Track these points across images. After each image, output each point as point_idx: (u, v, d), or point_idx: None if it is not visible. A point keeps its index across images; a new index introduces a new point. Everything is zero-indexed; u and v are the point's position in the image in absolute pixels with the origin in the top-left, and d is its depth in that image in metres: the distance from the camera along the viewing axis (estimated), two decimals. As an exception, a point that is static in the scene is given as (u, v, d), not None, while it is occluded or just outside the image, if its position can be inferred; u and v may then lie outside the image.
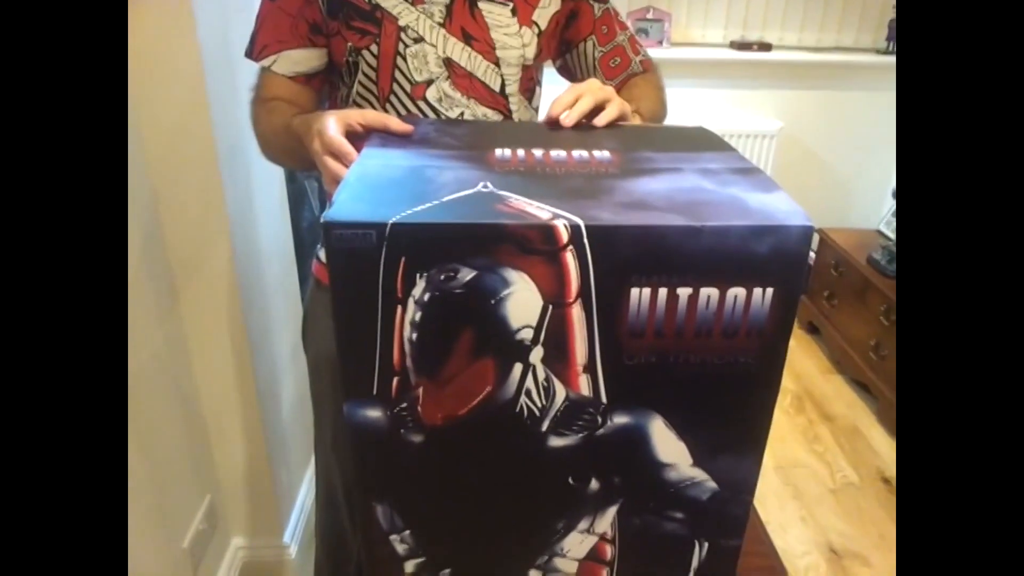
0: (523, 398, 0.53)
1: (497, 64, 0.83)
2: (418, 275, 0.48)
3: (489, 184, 0.53)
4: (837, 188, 2.61)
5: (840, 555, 1.60)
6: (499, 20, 0.83)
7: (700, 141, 0.67)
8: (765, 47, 2.35)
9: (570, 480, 0.57)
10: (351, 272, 0.48)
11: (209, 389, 1.25)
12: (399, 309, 0.49)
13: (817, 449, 1.98)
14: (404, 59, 0.81)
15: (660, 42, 2.31)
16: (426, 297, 0.49)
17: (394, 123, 0.68)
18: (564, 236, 0.47)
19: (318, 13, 0.82)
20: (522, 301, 0.49)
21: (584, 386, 0.53)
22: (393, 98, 0.83)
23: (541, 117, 0.82)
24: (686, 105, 2.37)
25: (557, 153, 0.62)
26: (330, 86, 0.89)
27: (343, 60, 0.84)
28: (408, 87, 0.82)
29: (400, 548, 0.61)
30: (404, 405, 0.53)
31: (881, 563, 1.58)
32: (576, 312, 0.50)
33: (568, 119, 0.70)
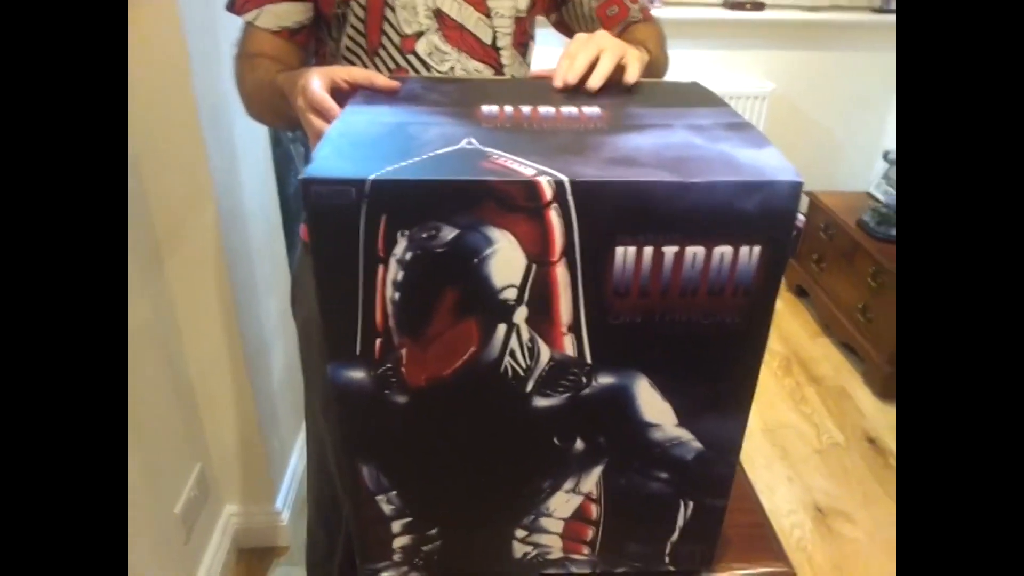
0: (507, 358, 0.53)
1: (488, 15, 0.81)
2: (400, 233, 0.47)
3: (473, 140, 0.52)
4: (828, 150, 2.59)
5: (825, 513, 1.63)
6: None
7: (692, 96, 0.66)
8: (758, 6, 2.30)
9: (555, 440, 0.57)
10: (331, 230, 0.47)
11: (198, 356, 1.24)
12: (381, 268, 0.49)
13: (804, 410, 2.00)
14: (393, 10, 0.78)
15: (652, 2, 2.26)
16: (408, 256, 0.48)
17: (380, 80, 0.66)
18: (548, 193, 0.46)
19: None
20: (505, 260, 0.48)
21: (569, 346, 0.52)
22: (382, 51, 0.81)
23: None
24: (677, 66, 2.33)
25: (546, 109, 0.60)
26: (317, 41, 0.87)
27: (330, 12, 0.81)
28: (397, 40, 0.80)
29: (387, 508, 0.61)
30: (388, 366, 0.53)
31: (865, 520, 1.61)
32: (560, 271, 0.49)
33: (594, 82, 0.65)
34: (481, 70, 0.83)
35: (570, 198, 0.46)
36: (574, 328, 0.51)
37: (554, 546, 0.64)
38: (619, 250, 0.48)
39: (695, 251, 0.48)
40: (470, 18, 0.80)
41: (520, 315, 0.51)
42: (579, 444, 0.57)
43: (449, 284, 0.49)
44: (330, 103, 0.65)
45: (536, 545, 0.64)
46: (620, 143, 0.52)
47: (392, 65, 0.81)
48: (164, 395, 1.17)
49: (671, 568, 0.66)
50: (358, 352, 0.52)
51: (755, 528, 0.74)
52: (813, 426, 1.95)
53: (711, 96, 0.66)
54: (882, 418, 1.95)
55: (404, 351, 0.52)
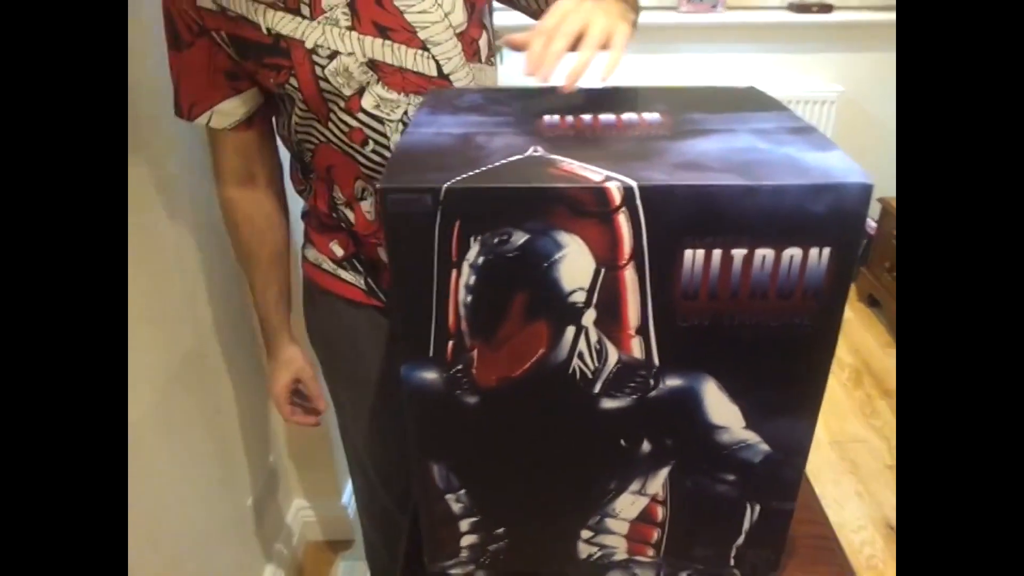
0: (576, 360, 0.54)
1: (425, 48, 0.75)
2: (472, 239, 0.49)
3: (540, 149, 0.53)
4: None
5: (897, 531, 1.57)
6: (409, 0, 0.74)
7: (752, 101, 0.66)
8: (825, 8, 2.25)
9: (622, 442, 0.58)
10: (407, 237, 0.50)
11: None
12: (454, 273, 0.51)
13: (875, 424, 1.93)
14: (327, 80, 0.74)
15: (714, 6, 2.24)
16: (480, 261, 0.50)
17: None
18: (617, 198, 0.47)
19: (227, 60, 0.77)
20: (575, 264, 0.50)
21: (636, 348, 0.53)
22: (333, 117, 0.77)
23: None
24: (741, 71, 2.30)
25: (606, 117, 0.61)
26: (275, 112, 0.84)
27: (274, 94, 0.79)
28: (342, 103, 0.76)
29: (456, 507, 0.63)
30: (459, 367, 0.55)
31: None
32: (629, 274, 0.50)
33: (569, 82, 0.60)
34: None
35: (639, 203, 0.47)
36: (642, 330, 0.52)
37: (619, 547, 0.64)
38: (687, 253, 0.49)
39: (764, 254, 0.48)
40: (407, 57, 0.75)
41: (589, 318, 0.52)
42: (646, 446, 0.58)
43: (520, 287, 0.51)
44: (282, 408, 0.92)
45: (601, 546, 0.64)
46: (685, 148, 0.53)
47: (345, 128, 0.77)
48: (241, 391, 1.23)
49: (736, 572, 0.66)
50: (431, 353, 0.55)
51: (820, 540, 0.73)
52: (884, 440, 1.87)
53: (770, 100, 0.66)
54: None
55: (475, 353, 0.54)
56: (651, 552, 0.65)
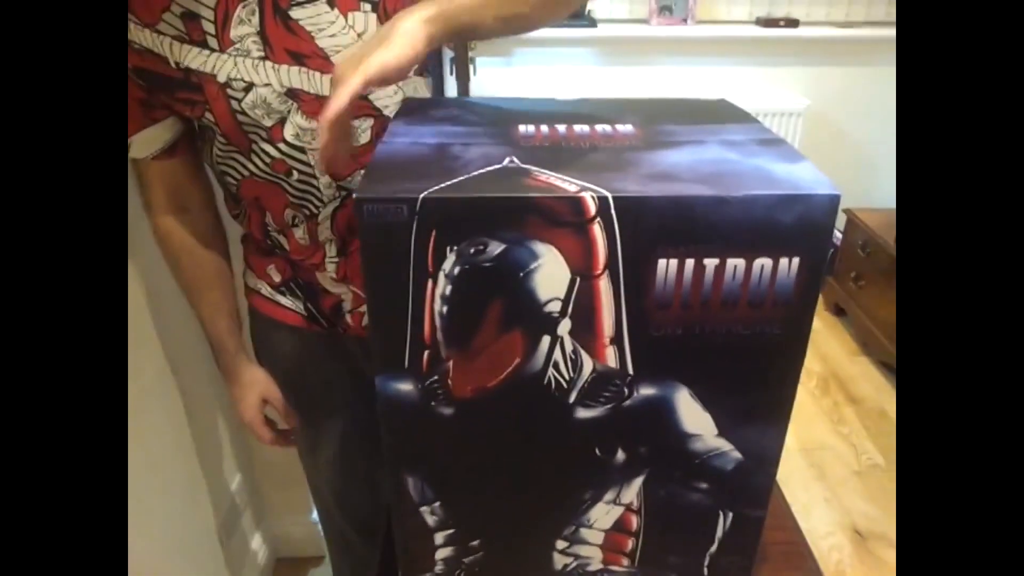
0: (551, 370, 0.54)
1: None
2: (448, 249, 0.49)
3: (515, 159, 0.54)
4: (865, 167, 2.56)
5: (865, 537, 1.60)
6: (319, 22, 0.69)
7: (722, 113, 0.67)
8: (792, 23, 2.31)
9: (597, 451, 0.58)
10: (383, 247, 0.49)
11: None
12: (430, 283, 0.51)
13: (842, 431, 1.97)
14: (244, 113, 0.71)
15: (684, 20, 2.28)
16: (456, 271, 0.50)
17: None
18: (592, 208, 0.48)
19: (140, 91, 0.72)
20: (550, 274, 0.50)
21: (611, 358, 0.54)
22: (256, 147, 0.74)
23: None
24: (710, 83, 2.35)
25: (580, 128, 0.62)
26: (201, 140, 0.80)
27: (194, 119, 0.75)
28: (264, 133, 0.72)
29: (430, 520, 0.62)
30: (435, 378, 0.55)
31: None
32: (603, 284, 0.50)
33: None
34: (358, 126, 0.73)
35: (613, 213, 0.48)
36: (616, 340, 0.53)
37: (594, 557, 0.64)
38: (661, 263, 0.49)
39: (735, 263, 0.49)
40: (324, 85, 0.71)
41: (564, 327, 0.52)
42: (620, 455, 0.58)
43: (495, 297, 0.51)
44: (260, 432, 0.90)
45: (576, 556, 0.64)
46: (657, 159, 0.54)
47: (268, 159, 0.74)
48: (209, 405, 1.21)
49: (711, 581, 0.66)
50: (406, 365, 0.54)
51: (790, 546, 0.74)
52: (852, 447, 1.91)
53: (740, 112, 0.68)
54: None
55: (451, 363, 0.54)
56: (626, 561, 0.65)
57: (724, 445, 0.58)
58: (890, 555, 1.54)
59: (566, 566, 0.65)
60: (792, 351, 0.53)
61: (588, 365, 0.54)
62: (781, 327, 0.52)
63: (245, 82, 0.69)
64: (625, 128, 0.62)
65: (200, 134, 0.78)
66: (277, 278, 0.87)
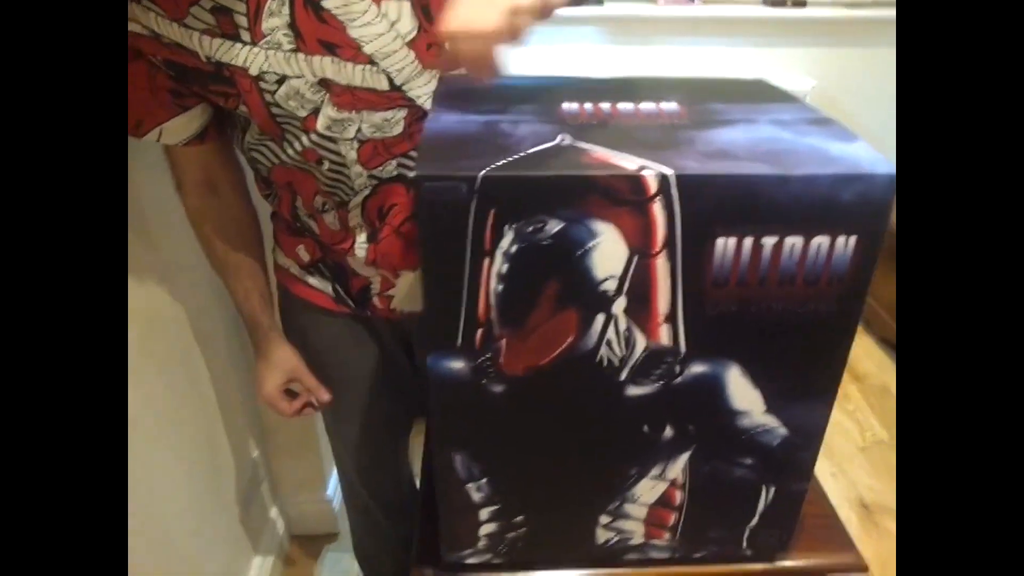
0: (604, 348, 0.55)
1: (372, 62, 0.69)
2: (507, 227, 0.49)
3: (567, 137, 0.53)
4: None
5: (871, 510, 1.62)
6: (353, 11, 0.67)
7: (765, 93, 0.67)
8: (800, 3, 2.29)
9: (645, 428, 0.59)
10: (441, 225, 0.49)
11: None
12: (487, 261, 0.51)
13: (847, 408, 1.99)
14: (278, 105, 0.70)
15: (692, 0, 2.26)
16: (514, 249, 0.50)
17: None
18: (652, 186, 0.48)
19: (169, 80, 0.71)
20: (608, 252, 0.50)
21: (664, 336, 0.54)
22: (289, 136, 0.73)
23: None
24: (717, 63, 2.33)
25: (624, 105, 0.62)
26: (230, 124, 0.79)
27: (227, 108, 0.74)
28: (298, 123, 0.71)
29: (476, 496, 0.63)
30: (487, 356, 0.55)
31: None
32: (661, 263, 0.51)
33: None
34: (392, 117, 0.72)
35: (674, 191, 0.48)
36: (671, 318, 0.53)
37: (636, 532, 0.65)
38: (719, 241, 0.50)
39: (793, 242, 0.50)
40: (355, 75, 0.69)
41: (619, 305, 0.52)
42: (668, 431, 0.59)
43: (552, 276, 0.51)
44: (280, 406, 0.90)
45: (619, 531, 0.65)
46: (711, 137, 0.54)
47: (299, 148, 0.73)
48: (227, 384, 1.21)
49: (748, 553, 0.67)
50: (459, 343, 0.54)
51: (823, 519, 0.75)
52: (856, 423, 1.93)
53: (781, 92, 0.67)
54: None
55: (504, 341, 0.54)
56: (667, 535, 0.66)
57: (771, 421, 0.58)
58: (888, 526, 1.57)
59: (608, 540, 0.66)
60: (844, 328, 0.54)
61: (641, 343, 0.54)
62: (835, 304, 0.52)
63: (278, 75, 0.68)
64: (670, 106, 0.62)
65: (232, 121, 0.78)
66: (306, 258, 0.86)
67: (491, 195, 0.48)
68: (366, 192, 0.76)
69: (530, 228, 0.49)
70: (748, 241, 0.50)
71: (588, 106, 0.62)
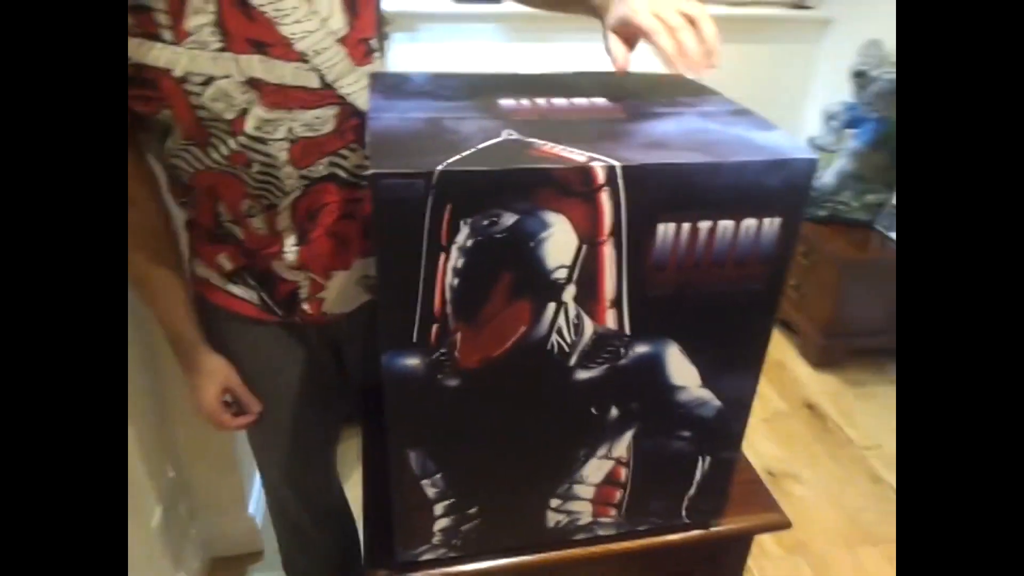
0: (554, 336, 0.56)
1: (303, 59, 0.68)
2: (462, 222, 0.50)
3: (513, 132, 0.55)
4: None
5: (776, 476, 1.76)
6: (282, 8, 0.66)
7: (684, 87, 0.71)
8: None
9: (593, 409, 0.61)
10: (397, 222, 0.49)
11: (171, 365, 1.21)
12: (442, 256, 0.51)
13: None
14: (204, 108, 0.67)
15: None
16: (469, 243, 0.51)
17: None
18: (601, 177, 0.50)
19: None
20: (559, 242, 0.52)
21: (611, 320, 0.57)
22: (215, 140, 0.70)
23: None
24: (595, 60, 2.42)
25: (559, 101, 0.64)
26: (146, 132, 0.74)
27: (142, 120, 0.71)
28: (225, 126, 0.69)
29: (431, 492, 0.63)
30: (442, 351, 0.55)
31: (811, 479, 1.75)
32: (608, 250, 0.53)
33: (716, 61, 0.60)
34: (323, 115, 0.71)
35: (620, 181, 0.50)
36: (616, 302, 0.56)
37: (584, 512, 0.68)
38: (660, 227, 0.53)
39: (726, 225, 0.54)
40: (285, 73, 0.68)
41: (569, 293, 0.54)
42: (614, 411, 0.62)
43: (506, 268, 0.52)
44: (222, 419, 0.88)
45: (568, 513, 0.68)
46: (646, 130, 0.57)
47: (227, 151, 0.70)
48: (139, 402, 1.14)
49: (687, 521, 0.72)
50: (415, 339, 0.54)
51: (751, 484, 0.80)
52: (758, 396, 2.06)
53: (701, 86, 0.72)
54: (818, 386, 2.10)
55: (459, 335, 0.55)
56: (613, 512, 0.69)
57: (706, 395, 0.63)
58: (797, 489, 1.71)
59: (558, 523, 0.68)
60: (769, 304, 0.59)
61: (589, 328, 0.57)
62: (762, 283, 0.57)
63: (204, 76, 0.65)
64: (600, 101, 0.64)
65: (147, 127, 0.72)
66: (228, 267, 0.82)
67: (447, 191, 0.48)
68: (296, 193, 0.74)
69: (485, 222, 0.50)
70: (686, 226, 0.53)
71: (525, 101, 0.63)
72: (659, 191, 0.51)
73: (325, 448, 1.03)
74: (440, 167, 0.48)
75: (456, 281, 0.52)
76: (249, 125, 0.68)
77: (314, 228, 0.76)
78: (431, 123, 0.56)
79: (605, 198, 0.51)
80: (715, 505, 0.72)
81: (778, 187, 0.53)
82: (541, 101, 0.63)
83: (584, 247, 0.53)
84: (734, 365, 0.62)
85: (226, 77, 0.66)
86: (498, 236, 0.51)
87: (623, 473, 0.66)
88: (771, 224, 0.54)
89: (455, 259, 0.51)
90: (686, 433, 0.65)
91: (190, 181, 0.75)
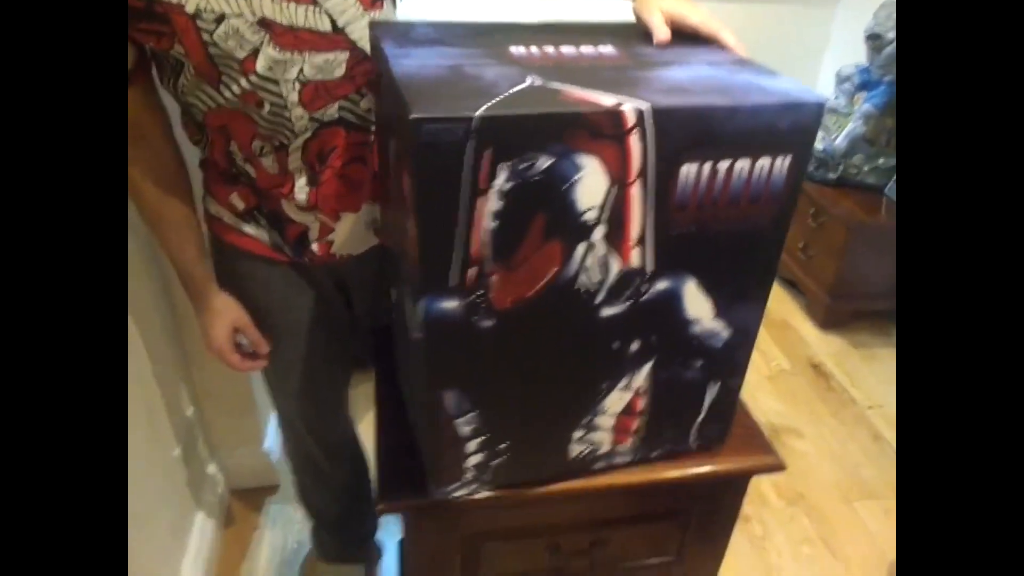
0: (583, 275, 0.59)
1: (315, 3, 0.70)
2: (500, 165, 0.52)
3: (537, 79, 0.56)
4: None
5: (778, 431, 1.82)
6: None
7: (679, 37, 0.73)
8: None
9: (616, 344, 0.65)
10: (438, 167, 0.51)
11: (185, 304, 1.24)
12: (480, 200, 0.53)
13: (759, 347, 2.10)
14: (216, 45, 0.68)
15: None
16: (507, 186, 0.53)
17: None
18: (631, 119, 0.53)
19: None
20: (590, 184, 0.55)
21: (635, 258, 0.60)
22: (226, 78, 0.71)
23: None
24: (574, 10, 2.40)
25: (567, 49, 0.66)
26: (157, 69, 0.77)
27: (154, 56, 0.73)
28: (236, 65, 0.70)
29: (464, 430, 0.66)
30: (479, 293, 0.58)
31: (812, 435, 1.82)
32: (635, 191, 0.56)
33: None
34: (333, 59, 0.73)
35: (649, 123, 0.53)
36: (641, 241, 0.59)
37: (604, 441, 0.72)
38: (684, 168, 0.56)
39: (743, 165, 0.57)
40: (298, 15, 0.69)
41: (599, 233, 0.57)
42: (635, 345, 0.66)
43: (540, 210, 0.55)
44: (231, 359, 0.91)
45: (590, 443, 0.72)
46: (661, 77, 0.59)
47: (238, 91, 0.72)
48: (157, 342, 1.19)
49: (695, 446, 0.77)
50: (453, 283, 0.56)
51: (748, 430, 0.84)
52: (762, 354, 2.10)
53: (697, 39, 0.74)
54: (823, 346, 2.14)
55: (495, 277, 0.57)
56: (630, 440, 0.74)
57: (718, 325, 0.67)
58: (799, 444, 1.78)
59: (580, 453, 0.72)
60: (778, 238, 0.63)
61: (616, 267, 0.60)
62: (772, 219, 0.61)
63: (216, 13, 0.66)
64: (607, 50, 0.66)
65: (161, 64, 0.73)
66: (241, 206, 0.84)
67: (488, 135, 0.50)
68: (307, 135, 0.75)
69: (523, 165, 0.52)
70: (707, 167, 0.56)
71: (534, 49, 0.65)
72: (684, 133, 0.54)
73: (337, 386, 1.08)
74: (480, 112, 0.49)
75: (494, 224, 0.54)
76: (260, 65, 0.69)
77: (324, 170, 0.78)
78: (453, 70, 0.58)
79: (634, 140, 0.54)
80: (720, 431, 0.78)
81: (790, 128, 0.56)
82: (550, 49, 0.65)
83: (614, 189, 0.55)
84: (744, 297, 0.66)
85: (238, 16, 0.67)
86: (534, 179, 0.53)
87: (641, 403, 0.71)
88: (782, 163, 0.58)
89: (493, 202, 0.53)
90: (699, 362, 0.70)
91: (203, 119, 0.76)
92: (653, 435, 0.74)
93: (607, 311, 0.62)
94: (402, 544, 1.40)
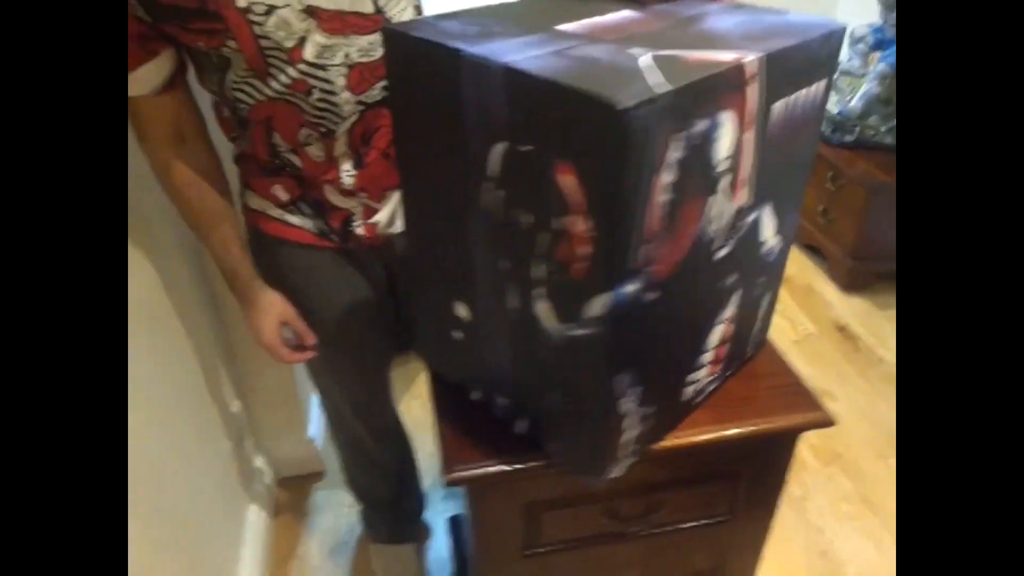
0: (710, 225, 0.63)
1: None
2: (673, 137, 0.53)
3: (640, 50, 0.58)
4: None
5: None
6: None
7: None
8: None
9: (723, 283, 0.71)
10: (638, 150, 0.50)
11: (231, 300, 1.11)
12: (655, 177, 0.54)
13: (778, 307, 2.13)
14: (266, 37, 0.72)
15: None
16: (676, 157, 0.54)
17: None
18: (751, 69, 0.57)
19: (137, 24, 0.72)
20: (726, 137, 0.58)
21: (742, 197, 0.65)
22: (273, 70, 0.75)
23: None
24: None
25: (612, 17, 0.67)
26: (197, 68, 0.80)
27: (197, 57, 0.77)
28: (284, 55, 0.74)
29: (628, 407, 0.67)
30: (648, 268, 0.59)
31: (842, 396, 1.86)
32: (749, 136, 0.61)
33: None
34: (375, 40, 0.77)
35: (763, 71, 0.58)
36: (748, 180, 0.65)
37: (704, 376, 0.78)
38: (776, 105, 0.62)
39: (805, 92, 0.66)
40: (343, 0, 0.75)
41: (725, 182, 0.62)
42: (731, 278, 0.72)
43: (693, 172, 0.57)
44: (281, 352, 0.91)
45: (695, 382, 0.77)
46: (716, 28, 0.64)
47: (287, 81, 0.75)
48: (204, 340, 1.20)
49: (750, 354, 0.87)
50: (630, 267, 0.57)
51: (793, 387, 0.85)
52: (788, 320, 2.13)
53: None
54: (847, 308, 2.16)
55: (661, 250, 0.58)
56: (719, 367, 0.80)
57: (776, 241, 0.76)
58: (831, 405, 1.77)
59: (687, 395, 0.77)
60: (815, 151, 0.73)
61: (731, 209, 0.65)
62: (811, 135, 0.71)
63: (266, 5, 0.69)
64: (630, 14, 0.69)
65: (203, 64, 0.77)
66: (284, 197, 0.84)
67: (669, 110, 0.51)
68: (353, 119, 0.77)
69: (691, 132, 0.54)
70: (789, 100, 0.64)
71: (585, 22, 0.65)
72: (779, 73, 0.61)
73: (382, 369, 1.08)
74: (660, 89, 0.50)
75: (664, 198, 0.56)
76: (308, 52, 0.73)
77: (369, 152, 0.81)
78: (560, 55, 0.56)
79: (751, 89, 0.58)
80: (762, 334, 0.88)
81: (828, 54, 0.66)
82: (598, 19, 0.66)
83: (739, 137, 0.60)
84: (793, 210, 0.76)
85: (286, 6, 0.71)
86: (694, 144, 0.55)
87: (731, 330, 0.78)
88: (820, 86, 0.68)
89: (666, 176, 0.54)
90: (762, 278, 0.78)
91: (247, 114, 0.77)
92: (731, 356, 0.82)
93: (720, 253, 0.67)
94: (454, 521, 1.37)
